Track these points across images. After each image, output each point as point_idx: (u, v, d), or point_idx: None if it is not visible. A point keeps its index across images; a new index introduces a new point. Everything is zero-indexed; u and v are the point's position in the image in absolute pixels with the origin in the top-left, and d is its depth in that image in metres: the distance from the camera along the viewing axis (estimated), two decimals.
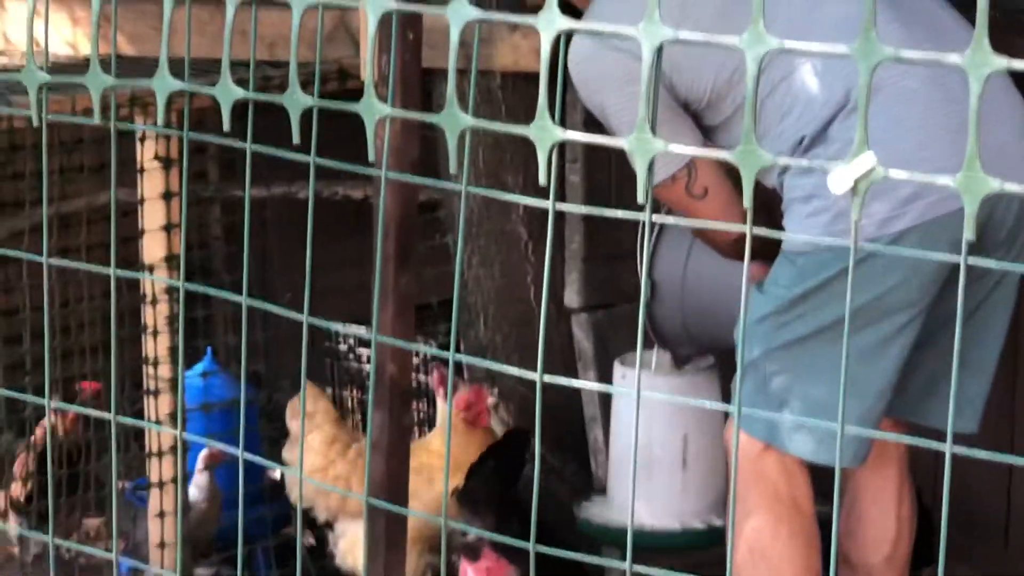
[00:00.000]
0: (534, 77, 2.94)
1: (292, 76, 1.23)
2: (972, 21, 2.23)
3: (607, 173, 3.85)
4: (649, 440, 3.54)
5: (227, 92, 1.26)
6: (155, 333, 3.52)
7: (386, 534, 2.66)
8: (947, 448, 1.11)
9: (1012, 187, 1.06)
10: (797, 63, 2.95)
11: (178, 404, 3.44)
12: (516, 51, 3.40)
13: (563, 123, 3.76)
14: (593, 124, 3.50)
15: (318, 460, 3.52)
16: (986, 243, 2.88)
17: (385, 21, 1.40)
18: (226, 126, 1.25)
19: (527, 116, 1.23)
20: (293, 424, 3.62)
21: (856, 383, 2.94)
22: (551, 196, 1.23)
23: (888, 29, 2.79)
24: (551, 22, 1.17)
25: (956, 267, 2.93)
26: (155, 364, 3.53)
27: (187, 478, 3.71)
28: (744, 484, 3.01)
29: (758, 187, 3.30)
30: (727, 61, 2.94)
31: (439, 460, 3.41)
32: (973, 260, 1.30)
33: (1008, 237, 2.92)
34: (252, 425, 4.10)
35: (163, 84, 1.33)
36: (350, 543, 3.55)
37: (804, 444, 3.00)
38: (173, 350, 3.50)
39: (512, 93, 3.60)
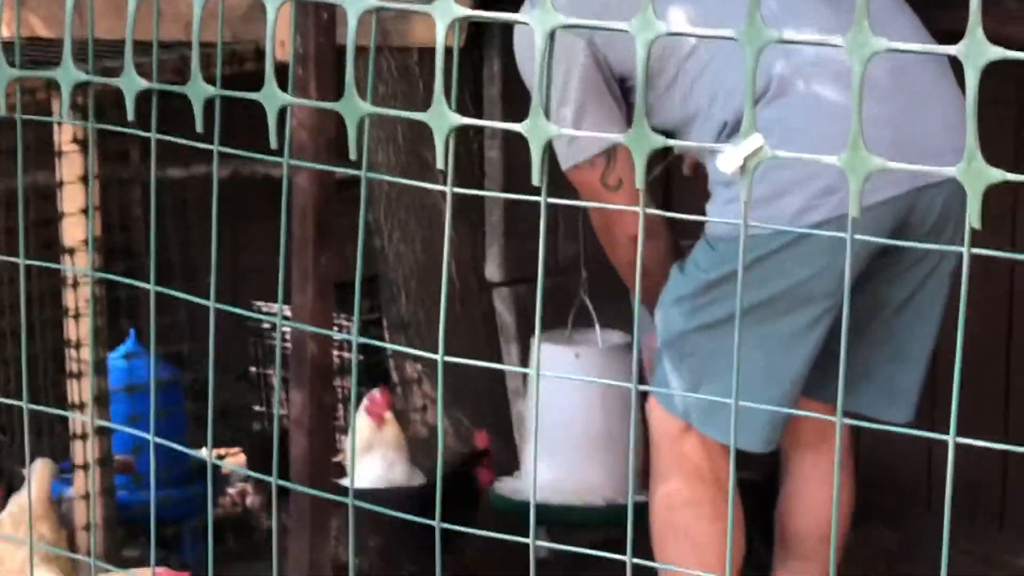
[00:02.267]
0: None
1: (194, 65, 1.25)
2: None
3: (525, 147, 3.79)
4: (570, 416, 3.55)
5: (131, 83, 1.28)
6: (76, 315, 3.46)
7: (310, 513, 2.68)
8: (950, 439, 1.13)
9: (895, 165, 1.09)
10: (720, 48, 2.95)
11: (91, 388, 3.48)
12: (432, 27, 3.44)
13: (478, 96, 3.76)
14: (511, 96, 3.58)
15: None
16: (909, 235, 2.94)
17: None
18: (130, 115, 1.28)
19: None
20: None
21: (772, 369, 2.98)
22: (448, 181, 1.26)
23: (816, 14, 2.91)
24: (447, 10, 1.20)
25: (873, 260, 3.02)
26: (77, 346, 3.48)
27: (110, 459, 3.67)
28: (666, 462, 3.07)
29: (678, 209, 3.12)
30: (631, 50, 2.87)
31: None
32: (859, 236, 1.34)
33: (932, 230, 2.96)
34: (176, 406, 4.10)
35: (67, 75, 1.35)
36: None
37: (718, 426, 3.04)
38: (95, 332, 3.46)
39: (429, 69, 3.62)
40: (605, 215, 3.16)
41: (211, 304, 1.58)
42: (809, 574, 3.26)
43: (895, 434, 1.43)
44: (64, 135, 3.42)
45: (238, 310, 1.71)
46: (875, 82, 2.98)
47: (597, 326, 3.65)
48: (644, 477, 3.39)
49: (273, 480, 2.24)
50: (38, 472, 3.27)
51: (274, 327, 4.20)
